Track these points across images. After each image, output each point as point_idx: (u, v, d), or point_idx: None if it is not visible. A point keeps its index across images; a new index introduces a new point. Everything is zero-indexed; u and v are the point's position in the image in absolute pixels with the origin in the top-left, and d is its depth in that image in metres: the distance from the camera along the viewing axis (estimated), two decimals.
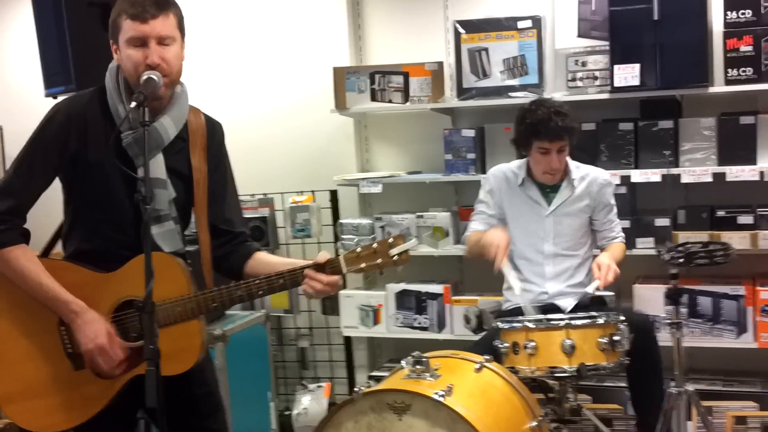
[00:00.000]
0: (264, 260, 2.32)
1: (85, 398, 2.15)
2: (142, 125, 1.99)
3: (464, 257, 3.84)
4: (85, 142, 2.14)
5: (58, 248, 2.37)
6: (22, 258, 2.14)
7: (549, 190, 3.32)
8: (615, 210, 3.40)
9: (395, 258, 2.11)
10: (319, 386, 4.24)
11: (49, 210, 2.34)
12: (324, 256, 2.14)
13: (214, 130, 2.35)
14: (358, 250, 2.13)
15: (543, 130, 3.13)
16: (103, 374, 2.14)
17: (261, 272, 2.21)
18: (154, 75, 2.08)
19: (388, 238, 2.13)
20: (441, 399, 2.34)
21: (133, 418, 2.25)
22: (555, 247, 3.30)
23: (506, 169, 3.38)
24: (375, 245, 2.12)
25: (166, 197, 2.19)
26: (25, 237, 2.18)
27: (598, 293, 3.36)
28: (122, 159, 2.12)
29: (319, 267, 2.13)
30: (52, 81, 3.60)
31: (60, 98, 3.63)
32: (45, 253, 2.33)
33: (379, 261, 2.11)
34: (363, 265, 2.12)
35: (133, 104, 2.01)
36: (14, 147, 4.45)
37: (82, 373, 2.16)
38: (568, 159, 3.31)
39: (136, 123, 2.10)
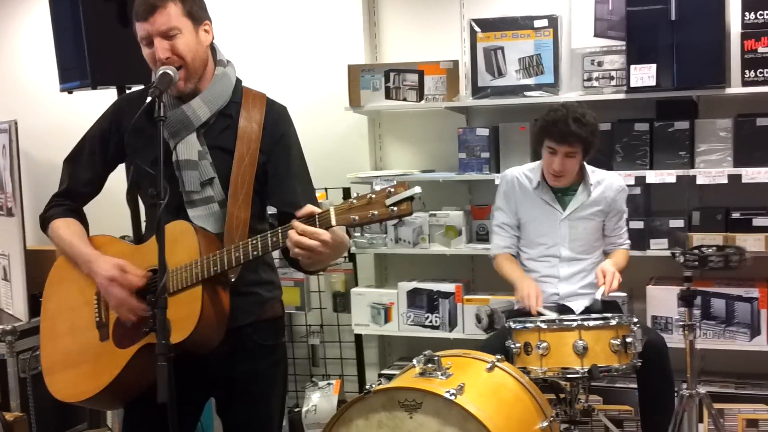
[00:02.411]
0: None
1: (105, 367, 2.18)
2: (158, 120, 2.00)
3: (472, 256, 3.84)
4: (129, 130, 2.22)
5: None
6: (63, 227, 2.28)
7: (564, 194, 3.31)
8: (625, 217, 3.40)
9: (393, 209, 1.84)
10: (329, 383, 4.24)
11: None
12: (310, 208, 1.95)
13: (272, 112, 2.29)
14: (353, 200, 1.90)
15: (554, 130, 3.14)
16: (121, 309, 2.14)
17: None
18: (169, 70, 2.09)
19: (386, 188, 1.86)
20: (452, 398, 2.34)
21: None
22: (570, 251, 3.31)
23: (519, 173, 3.38)
24: (372, 195, 1.87)
25: (196, 179, 2.18)
26: (73, 213, 2.32)
27: (608, 297, 3.36)
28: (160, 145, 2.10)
29: (309, 220, 1.94)
30: (67, 76, 3.62)
31: (75, 93, 3.69)
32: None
33: (373, 212, 1.85)
34: (355, 216, 1.87)
35: (149, 99, 2.02)
36: (29, 141, 4.48)
37: (105, 345, 2.20)
38: (585, 164, 3.30)
39: (167, 109, 2.13)
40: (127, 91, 2.35)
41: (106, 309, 2.23)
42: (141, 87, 2.44)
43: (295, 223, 1.95)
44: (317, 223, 1.92)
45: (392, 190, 1.85)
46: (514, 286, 3.24)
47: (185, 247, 2.10)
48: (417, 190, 1.85)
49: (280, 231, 2.00)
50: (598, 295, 3.13)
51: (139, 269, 2.16)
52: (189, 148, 2.18)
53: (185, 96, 2.18)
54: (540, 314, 3.06)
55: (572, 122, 3.10)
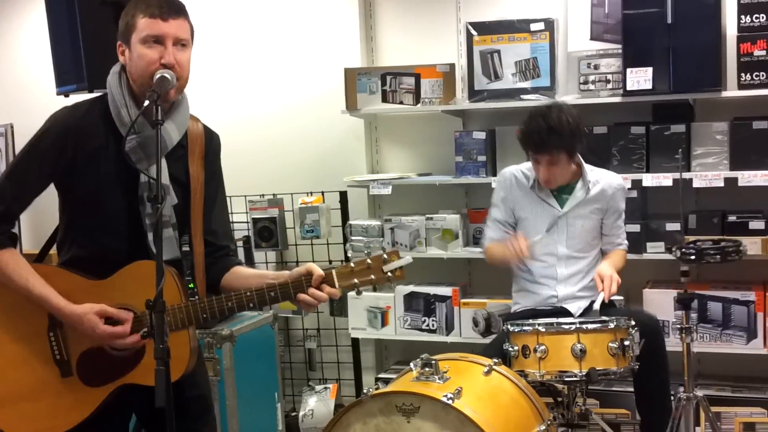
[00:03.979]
0: (241, 274, 2.28)
1: (73, 405, 2.15)
2: (155, 123, 1.98)
3: (469, 260, 3.83)
4: (83, 152, 2.13)
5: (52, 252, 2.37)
6: (11, 261, 2.14)
7: (562, 192, 3.31)
8: (623, 216, 3.39)
9: (389, 275, 2.08)
10: (326, 388, 4.23)
11: (44, 212, 2.36)
12: (312, 268, 2.09)
13: (211, 140, 2.34)
14: (352, 265, 2.09)
15: (530, 141, 3.14)
16: (129, 346, 2.11)
17: (236, 286, 2.19)
18: (167, 74, 2.07)
19: (382, 255, 2.08)
20: (450, 402, 2.34)
21: (123, 425, 2.28)
22: (568, 249, 3.29)
23: (517, 170, 3.38)
24: (369, 261, 2.07)
25: (169, 203, 2.18)
26: (12, 241, 2.18)
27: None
28: (122, 166, 2.12)
29: (315, 282, 2.08)
30: (63, 79, 3.61)
31: (71, 96, 3.67)
32: (40, 258, 2.33)
33: (372, 277, 2.08)
34: (356, 281, 2.07)
35: (147, 102, 2.00)
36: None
37: (70, 380, 2.16)
38: (583, 163, 3.30)
39: (140, 128, 2.10)
40: (69, 105, 2.22)
41: (66, 344, 2.16)
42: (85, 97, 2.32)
43: (311, 290, 2.07)
44: (321, 285, 2.07)
45: (386, 257, 2.08)
46: (503, 254, 3.18)
47: (164, 289, 2.07)
48: (409, 259, 2.09)
49: (279, 290, 2.09)
50: (597, 305, 3.12)
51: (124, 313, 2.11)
52: (162, 172, 2.11)
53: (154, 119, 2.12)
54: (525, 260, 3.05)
55: (547, 133, 3.07)
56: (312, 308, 2.11)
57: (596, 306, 3.13)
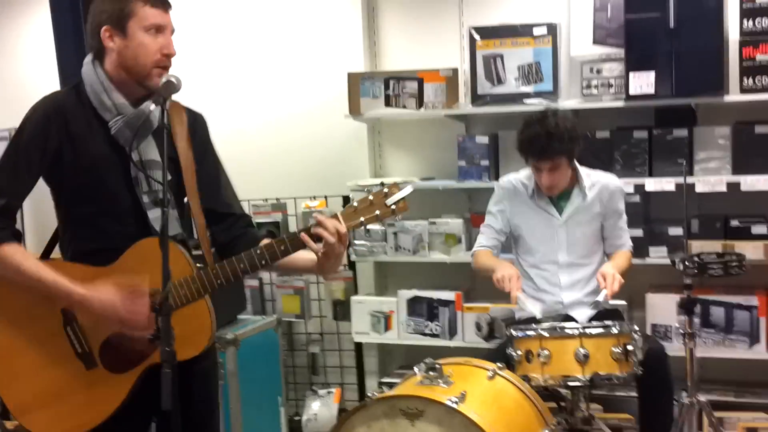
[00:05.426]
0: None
1: (104, 394, 2.15)
2: (162, 127, 1.99)
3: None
4: (68, 136, 2.13)
5: (56, 254, 2.34)
6: (18, 254, 2.12)
7: (560, 199, 3.32)
8: (624, 217, 3.38)
9: (393, 207, 2.10)
10: (329, 392, 4.24)
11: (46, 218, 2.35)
12: (317, 215, 2.12)
13: (195, 120, 2.35)
14: (355, 204, 2.12)
15: (530, 149, 3.15)
16: (141, 330, 2.07)
17: None
18: (173, 78, 2.08)
19: (382, 190, 2.11)
20: (454, 405, 2.34)
21: (146, 419, 2.26)
22: (569, 257, 3.30)
23: (515, 180, 3.38)
24: (371, 197, 2.10)
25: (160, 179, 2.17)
26: (16, 237, 2.16)
27: (610, 303, 3.35)
28: (110, 148, 2.13)
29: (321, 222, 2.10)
30: (68, 82, 3.58)
31: None
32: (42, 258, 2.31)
33: (377, 212, 2.10)
34: (362, 218, 2.10)
35: (153, 107, 2.02)
36: None
37: (96, 372, 2.16)
38: (579, 166, 3.30)
39: (123, 109, 2.12)
40: (45, 96, 2.23)
41: (85, 337, 2.15)
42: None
43: (322, 219, 2.08)
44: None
45: (387, 190, 2.10)
46: (492, 271, 3.14)
47: (173, 263, 2.04)
48: (409, 189, 2.12)
49: (287, 240, 2.10)
50: (601, 297, 3.12)
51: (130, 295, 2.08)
52: (151, 148, 2.18)
53: (138, 98, 2.15)
54: (519, 301, 3.03)
55: (547, 139, 3.08)
56: (329, 252, 2.10)
57: (600, 298, 3.10)
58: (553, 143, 3.08)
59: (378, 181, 4.18)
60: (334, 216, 2.11)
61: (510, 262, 3.26)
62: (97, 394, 2.15)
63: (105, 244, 2.16)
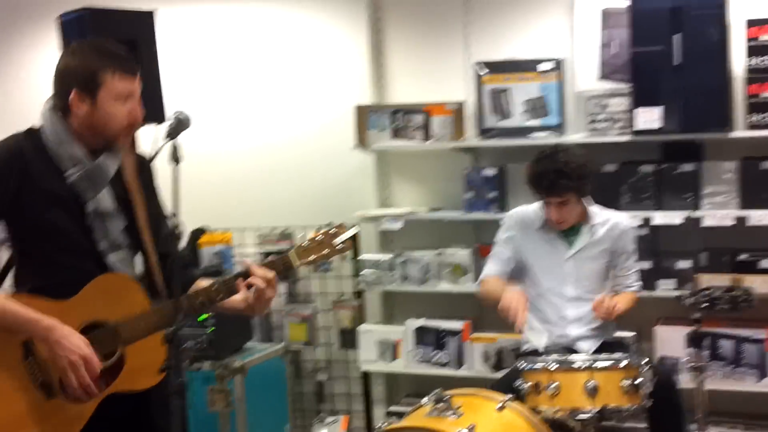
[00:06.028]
0: (203, 284, 2.34)
1: (63, 424, 2.15)
2: (174, 161, 2.03)
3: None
4: (28, 179, 2.15)
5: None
6: None
7: (568, 234, 3.34)
8: (634, 257, 3.38)
9: (339, 247, 2.27)
10: (336, 420, 4.23)
11: None
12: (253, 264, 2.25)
13: (142, 161, 2.40)
14: (305, 243, 2.27)
15: (539, 184, 3.18)
16: (78, 391, 2.12)
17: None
18: (183, 116, 2.12)
19: (330, 230, 2.28)
20: None
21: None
22: (577, 291, 3.30)
23: (525, 212, 3.40)
24: (320, 237, 2.27)
25: (117, 227, 2.24)
26: None
27: (617, 335, 3.37)
28: (67, 195, 2.17)
29: (270, 264, 2.25)
30: None
31: None
32: None
33: (326, 251, 2.26)
34: (312, 257, 2.26)
35: (165, 143, 2.06)
36: None
37: (55, 402, 2.16)
38: (591, 203, 3.33)
39: (80, 160, 2.17)
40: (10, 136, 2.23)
41: (45, 368, 2.15)
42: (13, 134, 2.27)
43: (254, 268, 2.22)
44: (279, 265, 2.25)
45: (336, 231, 2.29)
46: (499, 298, 3.12)
47: (130, 297, 2.18)
48: (355, 229, 2.32)
49: (222, 286, 2.22)
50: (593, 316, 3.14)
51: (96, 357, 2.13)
52: (106, 199, 2.22)
53: (95, 151, 2.20)
54: (522, 333, 3.05)
55: (556, 176, 3.10)
56: (260, 297, 2.22)
57: (593, 316, 3.14)
58: (562, 180, 3.11)
59: (384, 212, 4.22)
60: (287, 255, 2.25)
61: (519, 291, 3.23)
62: (56, 423, 2.15)
63: (65, 280, 2.18)
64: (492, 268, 3.42)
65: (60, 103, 2.20)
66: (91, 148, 2.20)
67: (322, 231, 2.27)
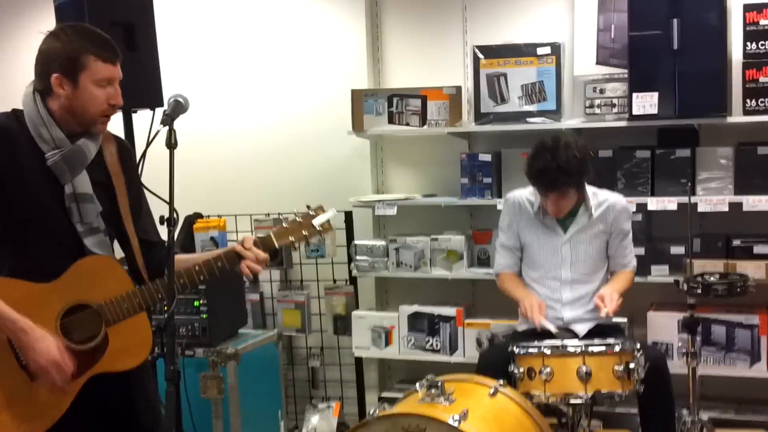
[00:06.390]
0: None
1: (47, 405, 2.16)
2: (168, 147, 2.03)
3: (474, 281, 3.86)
4: (10, 159, 2.16)
5: None
6: None
7: (565, 217, 3.33)
8: (630, 237, 3.40)
9: (319, 228, 2.33)
10: (329, 406, 4.23)
11: None
12: (247, 237, 2.30)
13: (123, 147, 2.42)
14: (285, 225, 2.34)
15: (539, 181, 3.16)
16: (56, 388, 2.15)
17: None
18: (181, 98, 2.16)
19: (309, 211, 2.35)
20: (456, 424, 2.35)
21: (91, 418, 2.27)
22: (572, 274, 3.31)
23: (521, 196, 3.39)
24: (299, 219, 2.33)
25: (94, 211, 2.25)
26: None
27: (611, 320, 3.37)
28: (47, 177, 2.18)
29: (248, 244, 2.28)
30: None
31: None
32: None
33: (305, 232, 2.33)
34: (292, 238, 2.31)
35: (162, 127, 2.05)
36: None
37: (39, 383, 2.17)
38: (586, 186, 3.32)
39: (60, 143, 2.18)
40: None
41: None
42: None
43: (249, 245, 2.27)
44: (261, 246, 2.29)
45: (314, 213, 2.35)
46: (518, 301, 3.27)
47: (113, 278, 2.20)
48: (333, 212, 2.36)
49: (224, 258, 2.27)
50: (603, 313, 3.14)
51: (66, 351, 2.14)
52: (84, 182, 2.24)
53: (73, 134, 2.21)
54: (543, 328, 3.09)
55: (557, 172, 3.07)
56: (256, 270, 2.27)
57: (602, 314, 3.14)
58: (562, 177, 3.08)
59: (379, 197, 4.20)
60: (268, 236, 2.31)
61: (535, 296, 3.29)
62: (40, 404, 2.16)
63: (43, 263, 2.19)
64: (504, 261, 3.44)
65: (41, 86, 2.20)
66: (71, 131, 2.20)
67: (301, 213, 2.33)
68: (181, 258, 2.32)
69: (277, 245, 2.30)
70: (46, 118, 2.18)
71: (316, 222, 2.32)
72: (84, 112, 2.18)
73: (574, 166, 3.08)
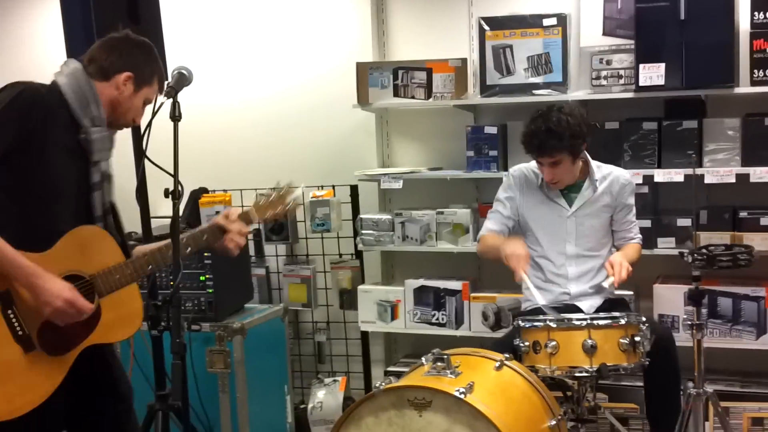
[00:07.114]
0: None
1: (42, 377, 2.18)
2: (173, 119, 2.03)
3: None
4: (43, 126, 2.17)
5: None
6: None
7: (570, 191, 3.31)
8: (634, 211, 3.39)
9: (290, 205, 2.58)
10: (335, 380, 4.25)
11: None
12: (229, 210, 2.51)
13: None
14: (261, 202, 2.56)
15: (529, 144, 3.14)
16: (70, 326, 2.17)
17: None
18: (185, 70, 2.23)
19: (281, 189, 2.58)
20: (462, 396, 2.35)
21: (78, 388, 2.31)
22: (577, 248, 3.30)
23: (526, 169, 3.37)
24: (273, 197, 2.56)
25: (110, 194, 2.39)
26: None
27: (617, 293, 3.36)
28: (76, 153, 2.24)
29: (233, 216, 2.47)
30: None
31: None
32: None
33: (279, 209, 2.56)
34: (269, 213, 2.55)
35: (167, 99, 2.07)
36: None
37: (34, 354, 2.18)
38: (590, 160, 3.30)
39: (101, 123, 2.27)
40: (28, 81, 2.24)
41: (23, 320, 2.17)
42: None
43: (234, 218, 2.47)
44: (243, 219, 2.50)
45: (286, 190, 2.58)
46: (500, 249, 3.13)
47: (105, 250, 2.27)
48: (299, 190, 2.62)
49: (209, 231, 2.43)
50: (607, 284, 3.13)
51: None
52: (109, 167, 2.37)
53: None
54: (523, 283, 3.07)
55: (546, 136, 3.05)
56: (240, 243, 2.45)
57: (606, 284, 3.13)
58: (551, 140, 3.06)
59: (385, 170, 4.19)
60: (248, 211, 2.53)
61: (520, 240, 3.21)
62: (35, 376, 2.17)
63: (43, 237, 2.20)
64: (491, 225, 3.40)
65: (97, 70, 2.30)
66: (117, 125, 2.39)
67: (274, 190, 2.55)
68: (141, 250, 2.39)
69: (256, 220, 2.52)
70: (95, 97, 2.27)
71: (289, 199, 2.56)
72: (124, 113, 2.35)
73: (564, 129, 3.06)
